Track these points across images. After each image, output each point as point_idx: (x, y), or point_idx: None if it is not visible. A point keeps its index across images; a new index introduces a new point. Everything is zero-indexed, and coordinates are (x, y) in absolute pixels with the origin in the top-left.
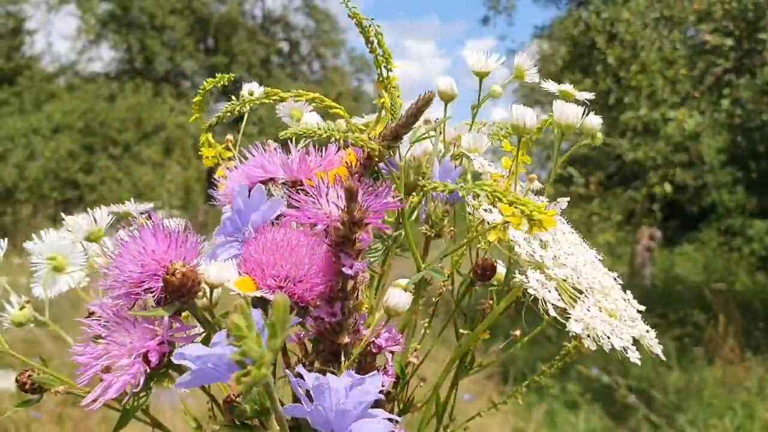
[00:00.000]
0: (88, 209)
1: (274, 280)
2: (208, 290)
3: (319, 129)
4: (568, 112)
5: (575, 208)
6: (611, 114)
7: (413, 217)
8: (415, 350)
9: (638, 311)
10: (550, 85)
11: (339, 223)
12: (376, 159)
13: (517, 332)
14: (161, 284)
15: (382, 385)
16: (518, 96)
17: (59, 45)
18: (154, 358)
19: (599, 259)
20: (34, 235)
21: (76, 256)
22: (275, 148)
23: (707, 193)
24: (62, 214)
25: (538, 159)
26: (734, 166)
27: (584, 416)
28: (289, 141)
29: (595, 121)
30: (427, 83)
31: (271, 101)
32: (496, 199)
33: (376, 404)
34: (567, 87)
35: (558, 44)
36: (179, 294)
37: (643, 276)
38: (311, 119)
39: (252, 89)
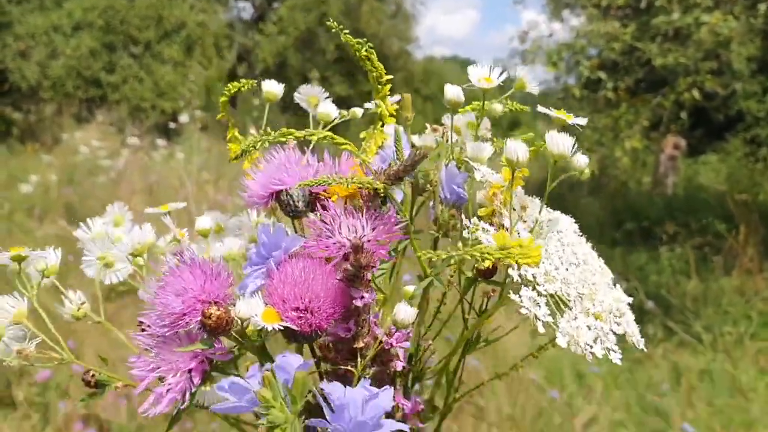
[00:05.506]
0: (112, 108)
1: (294, 312)
2: (240, 322)
3: (327, 178)
4: (558, 142)
5: (603, 114)
6: (642, 18)
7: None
8: (425, 333)
9: (628, 304)
10: (549, 111)
11: (349, 266)
12: (381, 194)
13: None
14: (199, 317)
15: (396, 369)
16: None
17: None
18: (197, 379)
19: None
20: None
21: (122, 258)
22: (293, 147)
23: (735, 102)
24: (87, 113)
25: (567, 64)
26: (765, 75)
27: None
28: (305, 147)
29: (582, 160)
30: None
31: (286, 140)
32: (486, 257)
33: (387, 415)
34: (561, 116)
35: None
36: (216, 333)
37: (666, 185)
38: (327, 108)
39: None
